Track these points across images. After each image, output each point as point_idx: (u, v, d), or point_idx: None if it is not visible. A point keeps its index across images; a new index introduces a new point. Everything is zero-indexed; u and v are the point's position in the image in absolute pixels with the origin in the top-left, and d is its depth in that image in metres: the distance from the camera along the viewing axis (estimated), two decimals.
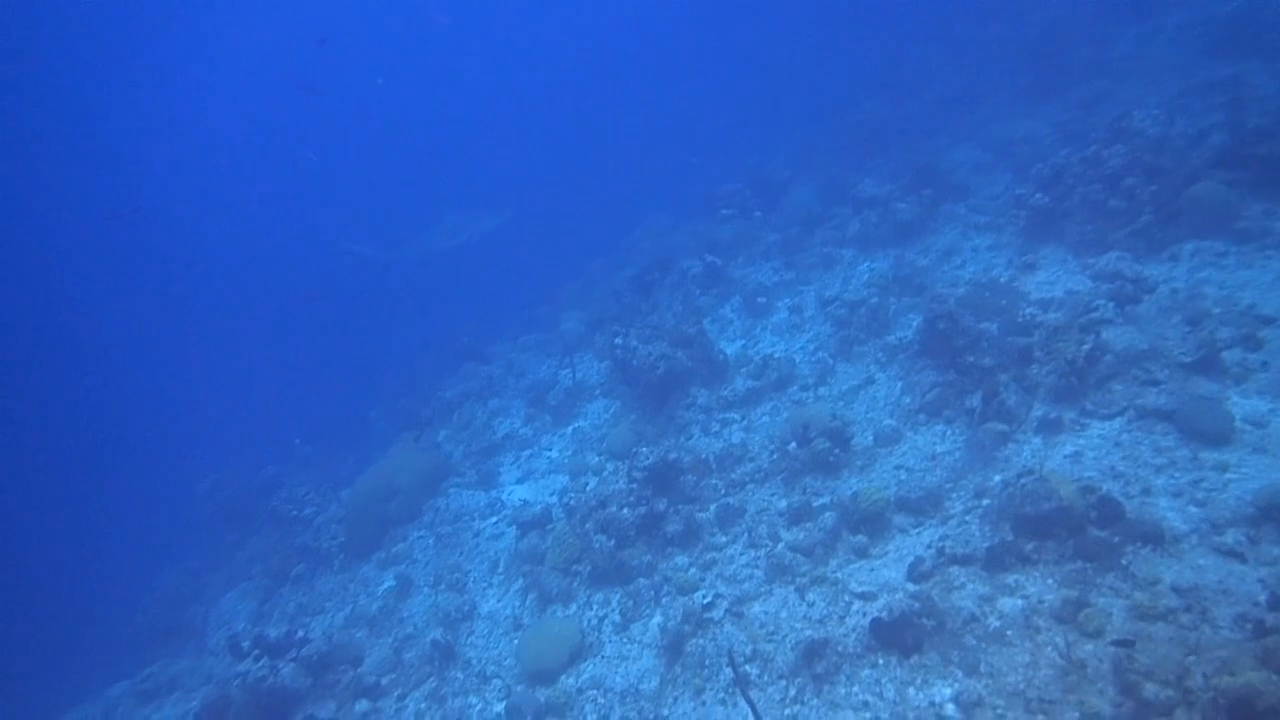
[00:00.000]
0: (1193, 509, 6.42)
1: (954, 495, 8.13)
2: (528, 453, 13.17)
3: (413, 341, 20.60)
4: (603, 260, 18.78)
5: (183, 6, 35.97)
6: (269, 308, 28.37)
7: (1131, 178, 10.82)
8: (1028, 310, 9.59)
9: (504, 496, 12.28)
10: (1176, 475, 6.86)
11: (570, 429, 13.18)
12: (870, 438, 9.65)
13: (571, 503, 10.50)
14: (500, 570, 10.73)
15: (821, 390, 11.13)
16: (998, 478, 7.90)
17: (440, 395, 15.63)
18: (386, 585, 11.38)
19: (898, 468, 8.98)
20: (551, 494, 11.71)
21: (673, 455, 9.98)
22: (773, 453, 10.14)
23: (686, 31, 36.02)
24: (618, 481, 10.03)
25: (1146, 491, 6.79)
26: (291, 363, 23.23)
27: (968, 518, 7.65)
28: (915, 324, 11.09)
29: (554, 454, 12.78)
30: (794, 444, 9.78)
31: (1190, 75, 15.01)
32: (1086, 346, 8.36)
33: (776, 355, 12.22)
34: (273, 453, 17.35)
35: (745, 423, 11.23)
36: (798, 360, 11.98)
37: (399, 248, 21.10)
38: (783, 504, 9.16)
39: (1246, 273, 9.07)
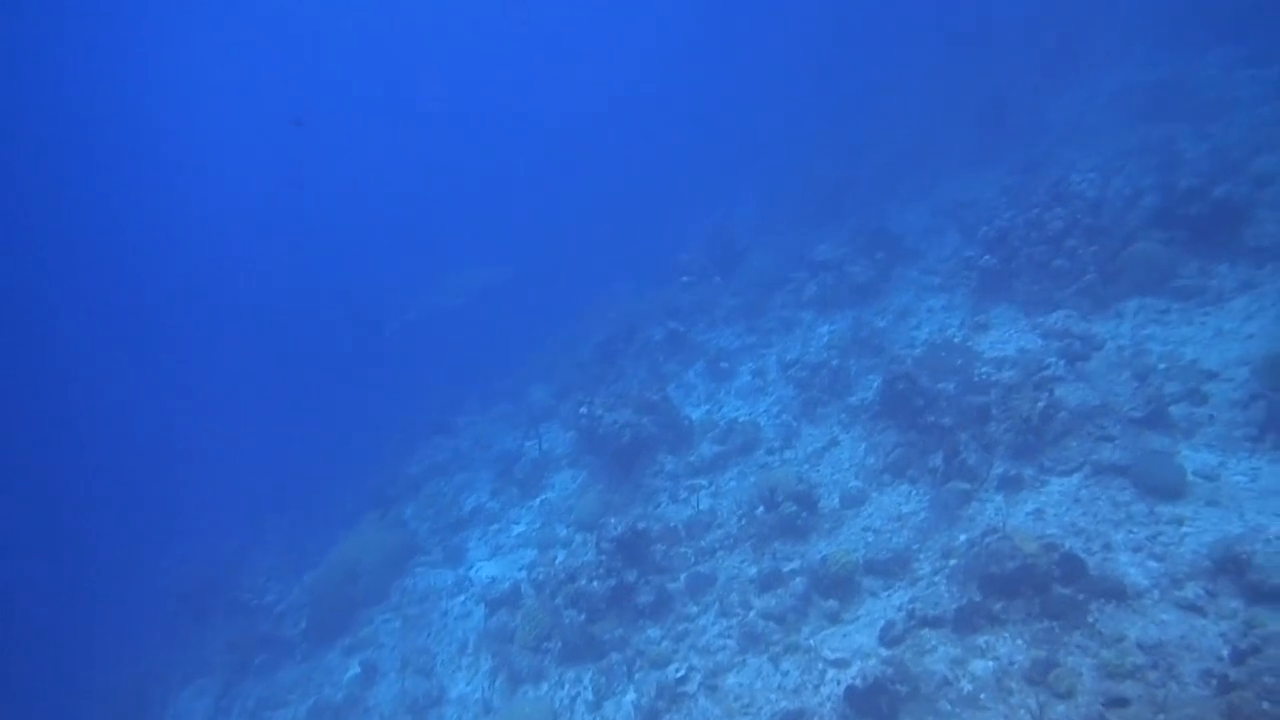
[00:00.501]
0: (1152, 564, 6.53)
1: (921, 556, 8.17)
2: (495, 527, 12.98)
3: (385, 407, 20.37)
4: (567, 329, 18.88)
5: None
6: (250, 364, 27.76)
7: (1073, 239, 11.26)
8: (983, 369, 9.83)
9: (472, 574, 12.04)
10: (1135, 530, 6.98)
11: (538, 501, 13.06)
12: (837, 500, 9.70)
13: (540, 577, 10.35)
14: (469, 651, 10.46)
15: (787, 453, 11.20)
16: (963, 537, 7.98)
17: (406, 471, 15.44)
18: (352, 673, 11.02)
19: (865, 529, 9.02)
20: (520, 569, 11.51)
21: (641, 524, 9.92)
22: (741, 518, 10.14)
23: (646, 94, 37.07)
24: (587, 553, 9.94)
25: (1107, 547, 6.90)
26: (265, 423, 22.66)
27: (936, 578, 7.69)
28: (875, 385, 11.26)
29: (522, 528, 12.61)
30: (762, 508, 9.79)
31: (1123, 138, 15.79)
32: (1041, 404, 8.57)
33: (741, 419, 12.32)
34: (240, 523, 16.91)
35: (713, 488, 11.23)
36: (762, 424, 12.07)
37: (401, 314, 21.14)
38: (753, 570, 9.13)
39: (1187, 329, 9.42)
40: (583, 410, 12.82)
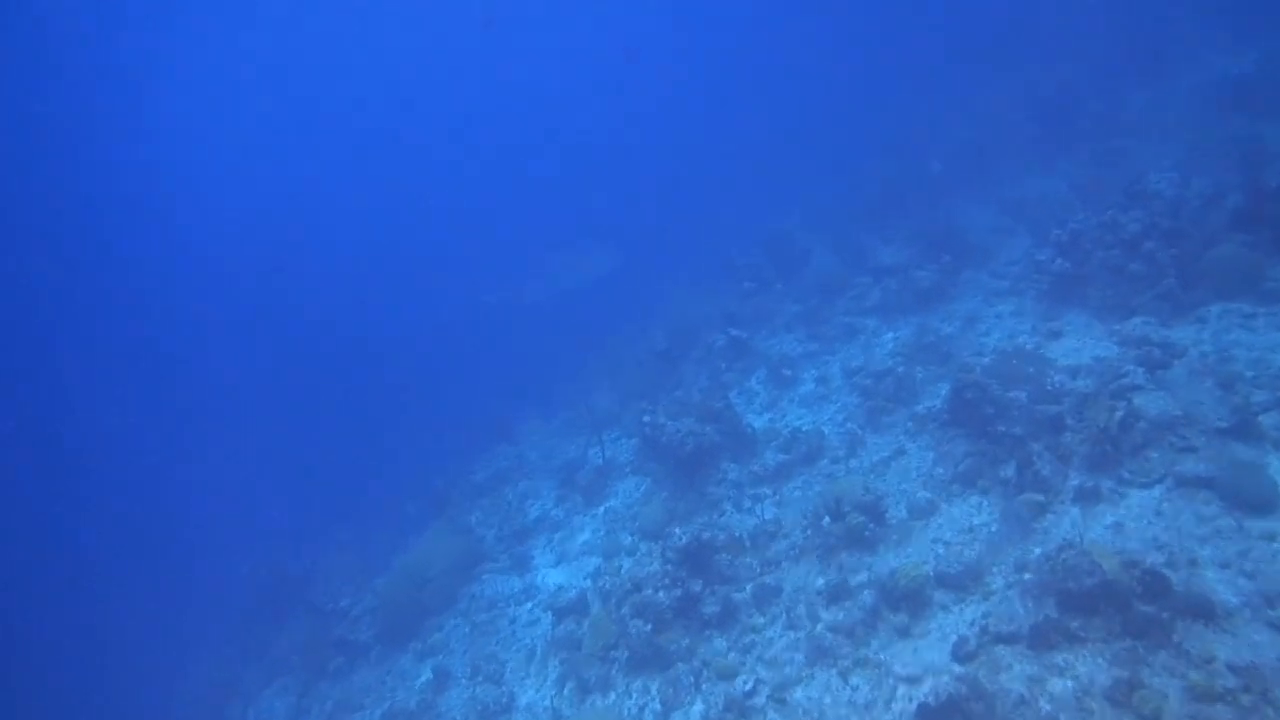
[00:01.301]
0: (1243, 581, 6.30)
1: (994, 570, 8.01)
2: (560, 535, 13.15)
3: (448, 411, 20.74)
4: (632, 330, 19.01)
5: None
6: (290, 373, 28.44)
7: (1151, 241, 10.90)
8: (1056, 378, 9.57)
9: (538, 581, 12.23)
10: (1222, 545, 6.74)
11: (602, 509, 13.18)
12: (904, 510, 9.56)
13: (606, 586, 10.46)
14: (537, 659, 10.62)
15: (852, 462, 11.09)
16: (1038, 550, 7.79)
17: (470, 478, 15.75)
18: (424, 678, 11.29)
19: (935, 541, 8.87)
20: (585, 577, 11.65)
21: (706, 534, 9.95)
22: (806, 528, 10.07)
23: (704, 93, 36.83)
24: (652, 563, 10.00)
25: (1193, 563, 6.67)
26: (318, 435, 23.25)
27: (1009, 593, 7.53)
28: (943, 393, 11.06)
29: (586, 535, 12.74)
30: (827, 519, 9.71)
31: (1204, 134, 15.17)
32: (1119, 414, 8.33)
33: (805, 428, 12.23)
34: (311, 529, 17.47)
35: (777, 498, 11.18)
36: (826, 432, 11.97)
37: (520, 290, 21.40)
38: (820, 582, 9.06)
39: (1277, 334, 9.04)
40: (646, 418, 12.90)
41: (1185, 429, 8.05)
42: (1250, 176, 12.24)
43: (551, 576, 12.20)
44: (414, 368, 23.99)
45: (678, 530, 9.98)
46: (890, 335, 13.50)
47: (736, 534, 10.43)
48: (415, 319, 27.23)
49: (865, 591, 8.45)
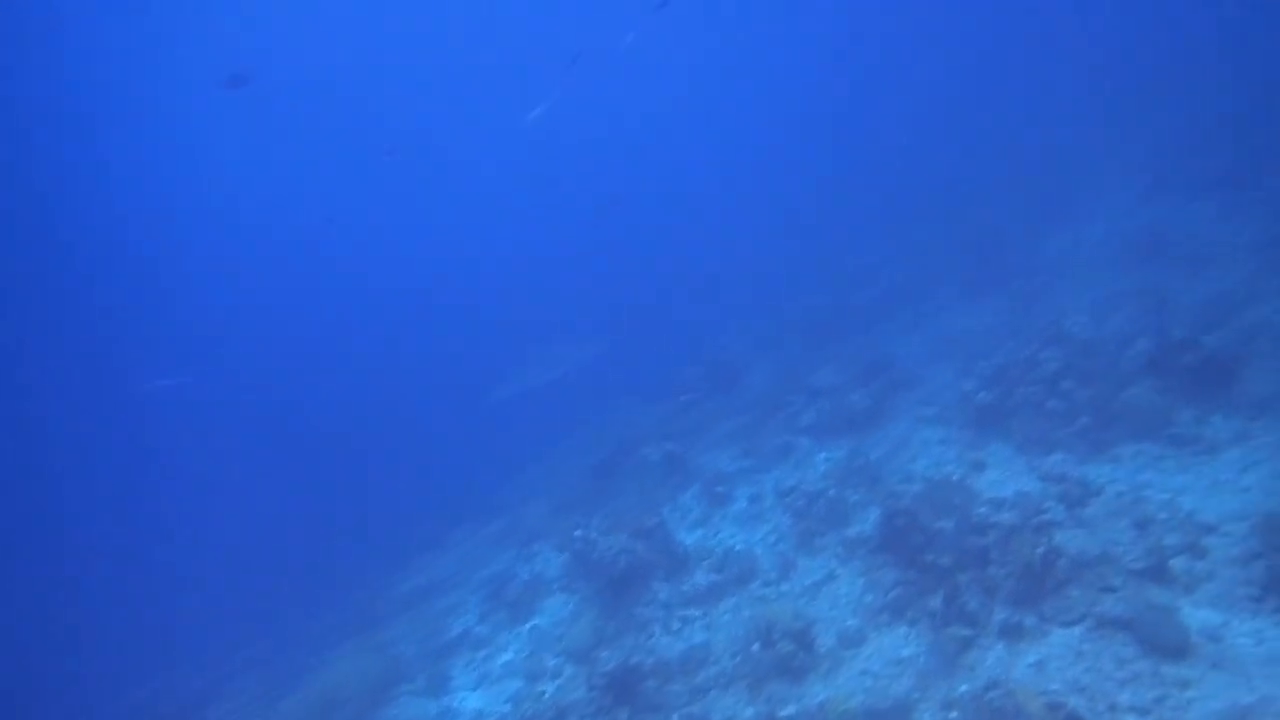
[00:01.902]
0: None
1: (921, 706, 7.93)
2: (483, 653, 12.59)
3: (377, 521, 20.03)
4: (567, 444, 18.89)
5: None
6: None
7: (1068, 381, 11.45)
8: (981, 510, 9.78)
9: (456, 704, 11.59)
10: (1140, 691, 6.81)
11: (528, 627, 12.72)
12: (834, 639, 9.47)
13: (528, 713, 9.97)
14: None
15: (784, 586, 11.01)
16: (964, 687, 7.77)
17: (396, 589, 15.12)
18: None
19: (863, 673, 8.77)
20: (506, 701, 11.10)
21: (634, 659, 9.67)
22: (736, 655, 9.88)
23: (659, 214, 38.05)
24: (576, 690, 9.62)
25: (1112, 709, 6.71)
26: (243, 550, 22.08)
27: None
28: (873, 517, 11.19)
29: (509, 655, 12.22)
30: (757, 645, 9.56)
31: (1116, 280, 16.24)
32: (1041, 550, 8.49)
33: (737, 547, 12.17)
34: (222, 645, 16.33)
35: (707, 620, 10.98)
36: (759, 553, 11.92)
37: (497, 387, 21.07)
38: (748, 713, 8.84)
39: (1184, 477, 9.46)
40: (577, 534, 12.73)
41: (1104, 568, 8.24)
42: (1158, 325, 13.13)
43: (470, 700, 11.59)
44: (349, 465, 23.34)
45: (604, 654, 9.68)
46: (823, 455, 13.70)
47: (665, 658, 10.16)
48: (359, 412, 26.69)
49: None
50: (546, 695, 10.24)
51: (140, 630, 18.37)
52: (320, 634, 15.12)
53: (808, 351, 18.02)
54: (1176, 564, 8.04)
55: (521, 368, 19.56)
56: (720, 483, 14.07)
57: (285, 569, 18.56)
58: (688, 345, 20.54)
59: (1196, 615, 7.39)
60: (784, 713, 8.59)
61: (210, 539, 21.91)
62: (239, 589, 18.27)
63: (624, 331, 25.20)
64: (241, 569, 19.37)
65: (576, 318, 28.37)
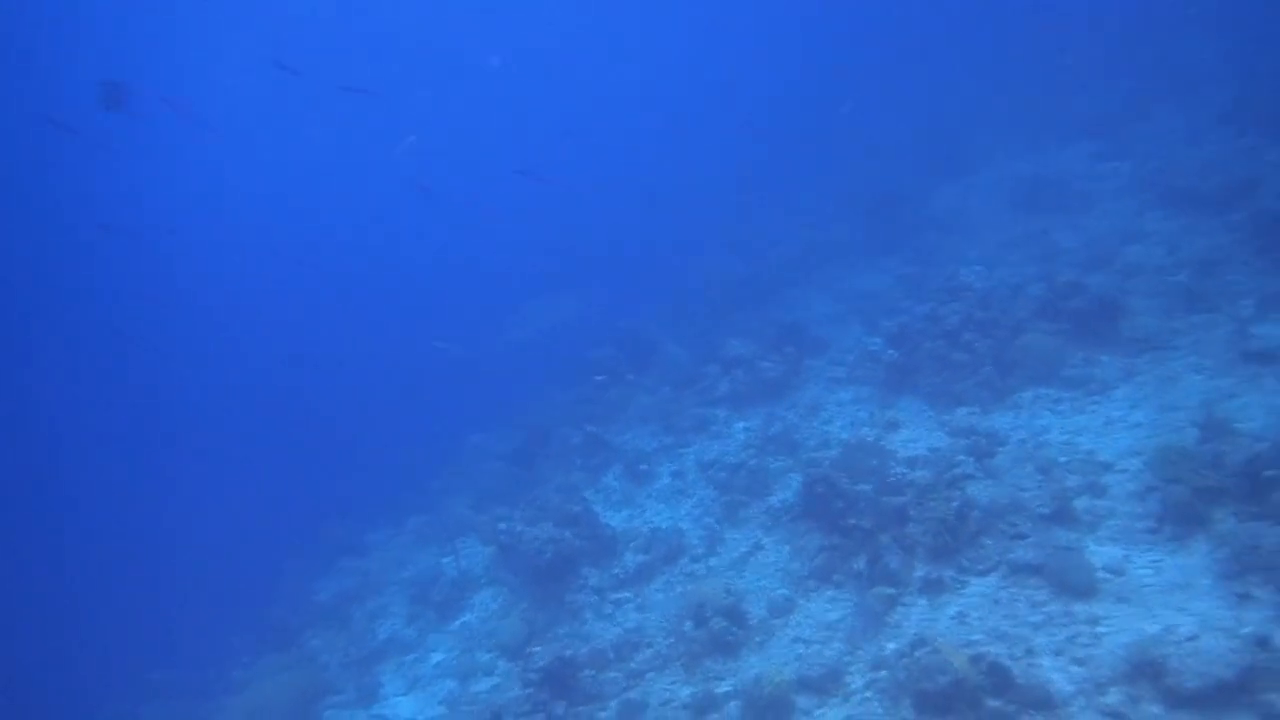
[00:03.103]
0: (1074, 668, 6.62)
1: (853, 669, 8.08)
2: (412, 656, 12.25)
3: (281, 527, 19.07)
4: (481, 434, 18.42)
5: None
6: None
7: (968, 333, 11.79)
8: (897, 470, 10.02)
9: (388, 712, 11.25)
10: (1054, 632, 7.10)
11: (457, 624, 12.44)
12: (764, 609, 9.57)
13: (463, 715, 9.75)
14: None
15: (712, 560, 11.05)
16: (891, 646, 7.96)
17: (313, 598, 14.52)
18: None
19: (795, 640, 8.90)
20: (440, 703, 10.84)
21: (568, 651, 9.55)
22: (669, 635, 9.89)
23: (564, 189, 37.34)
24: (511, 687, 9.45)
25: (1030, 652, 6.97)
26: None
27: (868, 694, 7.61)
28: (794, 484, 11.33)
29: (440, 655, 11.92)
30: (690, 624, 9.57)
31: (1003, 229, 16.85)
32: (955, 504, 8.75)
33: (663, 525, 12.16)
34: (116, 680, 15.35)
35: (639, 601, 10.95)
36: (685, 529, 11.92)
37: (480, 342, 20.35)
38: (686, 693, 8.84)
39: (1081, 418, 9.88)
40: (502, 526, 12.47)
41: (1014, 516, 8.54)
42: (1045, 269, 13.66)
43: (403, 706, 11.27)
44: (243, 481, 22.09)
45: (538, 649, 9.52)
46: (741, 425, 13.78)
47: (599, 646, 10.06)
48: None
49: (731, 703, 8.30)
50: (481, 695, 10.04)
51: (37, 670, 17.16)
52: (235, 653, 14.41)
53: (719, 321, 18.04)
54: (1079, 504, 8.40)
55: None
56: (642, 461, 14.01)
57: (192, 584, 17.53)
58: (598, 322, 20.24)
59: (1100, 552, 7.74)
60: (720, 689, 8.64)
61: (106, 556, 20.47)
62: (140, 607, 17.18)
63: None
64: (144, 585, 18.20)
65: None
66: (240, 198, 40.79)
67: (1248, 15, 20.30)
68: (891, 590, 8.57)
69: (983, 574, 8.22)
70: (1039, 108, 22.59)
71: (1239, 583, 6.58)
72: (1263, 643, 5.88)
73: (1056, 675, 6.63)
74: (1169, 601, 6.89)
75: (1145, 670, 6.16)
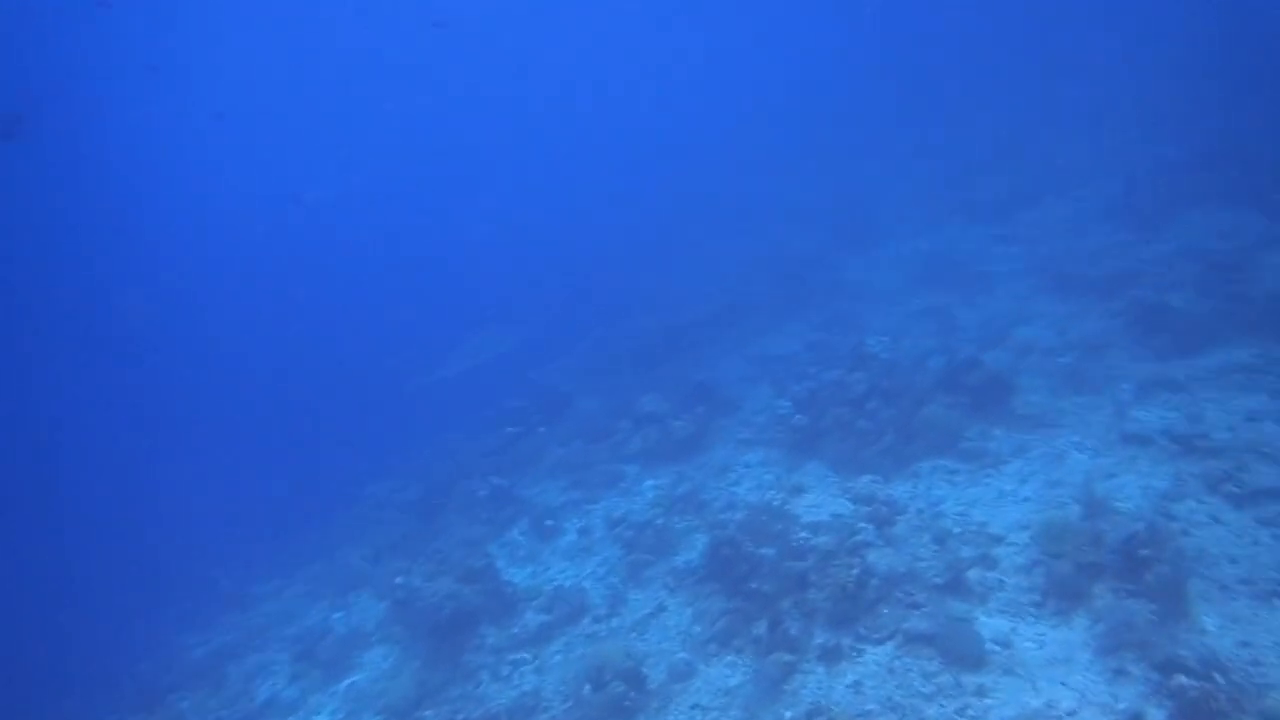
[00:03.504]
0: None
1: None
2: None
3: (156, 582, 17.82)
4: (383, 483, 17.81)
5: None
6: None
7: (873, 401, 12.16)
8: (800, 535, 10.12)
9: None
10: (944, 704, 7.21)
11: (344, 685, 11.79)
12: (664, 674, 9.42)
13: None
14: None
15: (614, 621, 10.86)
16: (788, 714, 7.93)
17: (186, 655, 13.56)
18: None
19: (694, 707, 8.77)
20: None
21: (460, 715, 9.24)
22: (567, 699, 9.61)
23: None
24: None
25: None
26: None
27: None
28: (700, 545, 11.31)
29: (323, 719, 11.28)
30: (588, 687, 9.33)
31: (907, 301, 17.65)
32: (855, 571, 8.89)
33: (567, 584, 11.92)
34: None
35: (537, 663, 10.63)
36: (588, 588, 11.72)
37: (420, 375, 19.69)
38: None
39: (975, 490, 10.25)
40: (399, 580, 12.00)
41: (910, 585, 8.72)
42: (945, 343, 14.30)
43: None
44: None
45: (429, 713, 9.11)
46: (651, 483, 13.75)
47: (493, 710, 9.71)
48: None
49: None
50: None
51: None
52: (95, 713, 13.22)
53: (634, 376, 18.10)
54: (972, 575, 8.65)
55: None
56: (549, 516, 13.77)
57: (46, 636, 16.06)
58: (511, 374, 20.02)
59: (990, 624, 7.96)
60: None
61: None
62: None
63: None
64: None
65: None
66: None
67: (1125, 121, 22.23)
68: (790, 657, 8.57)
69: (879, 642, 8.32)
70: (942, 192, 24.05)
71: (1115, 658, 6.85)
72: (1136, 719, 6.12)
73: None
74: (1051, 675, 7.11)
75: None
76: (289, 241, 36.83)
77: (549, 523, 13.64)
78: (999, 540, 9.07)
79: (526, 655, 10.81)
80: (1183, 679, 6.14)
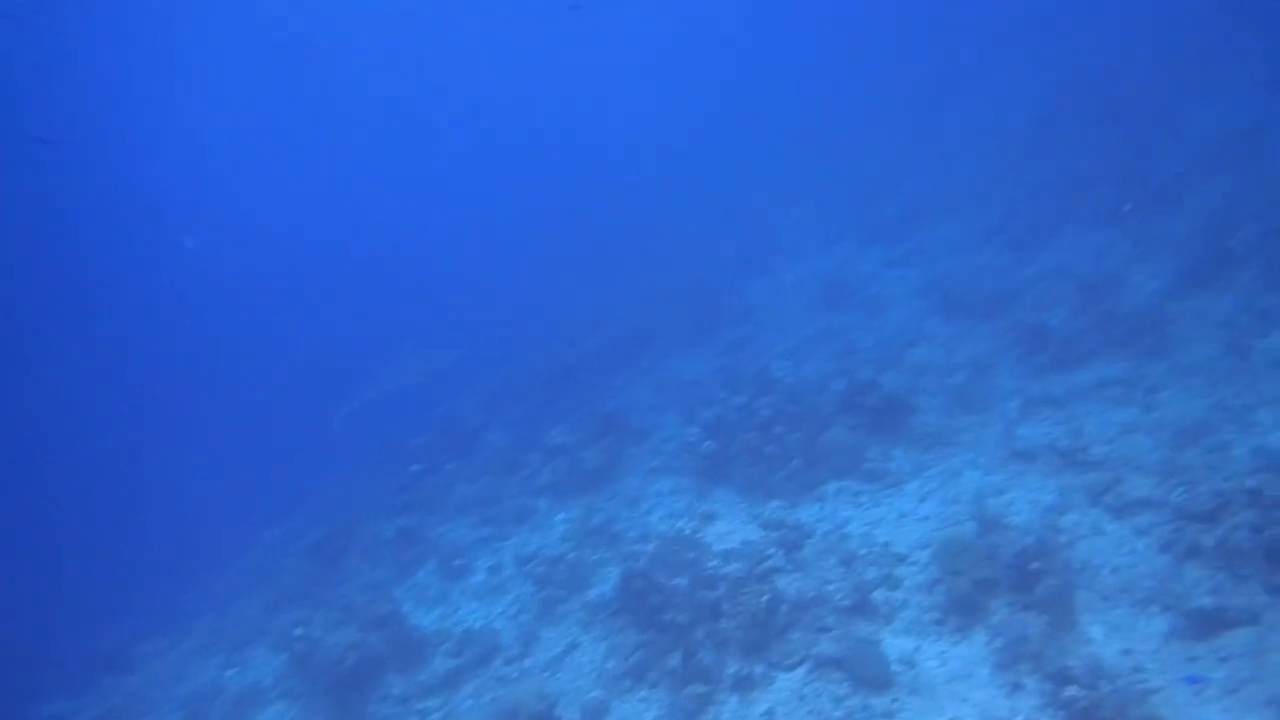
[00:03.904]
0: None
1: None
2: None
3: (27, 643, 16.38)
4: (281, 528, 16.98)
5: None
6: None
7: (779, 426, 12.33)
8: (712, 563, 10.13)
9: None
10: None
11: None
12: (578, 713, 9.25)
13: None
14: None
15: (526, 662, 10.62)
16: None
17: None
18: None
19: None
20: None
21: None
22: None
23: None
24: None
25: None
26: None
27: None
28: (613, 578, 11.19)
29: None
30: None
31: (809, 325, 18.11)
32: (765, 598, 8.94)
33: (477, 625, 11.62)
34: None
35: (446, 711, 10.29)
36: (500, 628, 11.45)
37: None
38: None
39: (877, 510, 10.52)
40: (298, 631, 11.41)
41: (819, 609, 8.84)
42: (845, 365, 14.71)
43: None
44: None
45: None
46: (562, 516, 13.58)
47: None
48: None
49: None
50: None
51: None
52: None
53: (542, 407, 17.93)
54: (877, 596, 8.83)
55: None
56: (458, 555, 13.41)
57: None
58: (415, 408, 19.50)
59: (895, 644, 8.14)
60: None
61: None
62: None
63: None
64: None
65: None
66: None
67: (1006, 141, 23.62)
68: (705, 688, 8.54)
69: (790, 669, 8.39)
70: (838, 214, 24.93)
71: (1012, 672, 7.09)
72: None
73: None
74: (953, 692, 7.30)
75: None
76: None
77: (458, 562, 13.27)
78: (902, 560, 9.30)
79: (435, 703, 10.46)
80: (1073, 690, 6.40)
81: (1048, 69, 24.39)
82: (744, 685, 8.39)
